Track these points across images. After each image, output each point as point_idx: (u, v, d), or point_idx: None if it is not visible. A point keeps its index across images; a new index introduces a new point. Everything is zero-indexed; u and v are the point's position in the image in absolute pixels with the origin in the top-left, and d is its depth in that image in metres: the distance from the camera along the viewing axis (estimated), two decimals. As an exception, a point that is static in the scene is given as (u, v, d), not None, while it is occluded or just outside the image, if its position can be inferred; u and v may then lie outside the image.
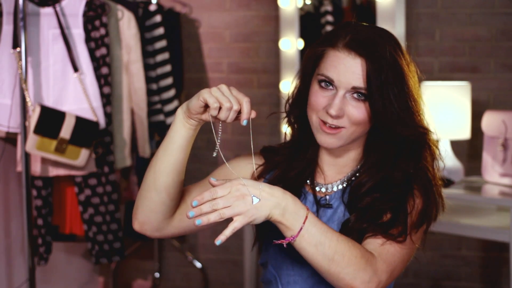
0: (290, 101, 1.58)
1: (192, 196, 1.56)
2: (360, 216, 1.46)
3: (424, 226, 1.49)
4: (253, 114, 1.40)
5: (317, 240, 1.35)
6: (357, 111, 1.45)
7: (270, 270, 1.57)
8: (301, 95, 1.55)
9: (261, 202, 1.33)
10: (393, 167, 1.49)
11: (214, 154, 1.42)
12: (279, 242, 1.37)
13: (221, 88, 1.39)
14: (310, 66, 1.52)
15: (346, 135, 1.47)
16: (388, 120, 1.44)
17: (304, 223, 1.35)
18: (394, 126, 1.45)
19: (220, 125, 1.42)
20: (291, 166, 1.58)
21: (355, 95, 1.45)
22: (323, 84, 1.47)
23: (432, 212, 1.49)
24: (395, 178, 1.48)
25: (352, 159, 1.56)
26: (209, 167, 3.58)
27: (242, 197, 1.33)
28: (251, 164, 1.61)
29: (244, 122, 1.38)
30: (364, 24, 1.51)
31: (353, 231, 1.45)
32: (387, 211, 1.45)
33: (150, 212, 1.50)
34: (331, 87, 1.46)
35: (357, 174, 1.55)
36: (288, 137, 1.64)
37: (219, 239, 1.32)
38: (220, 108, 1.38)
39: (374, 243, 1.42)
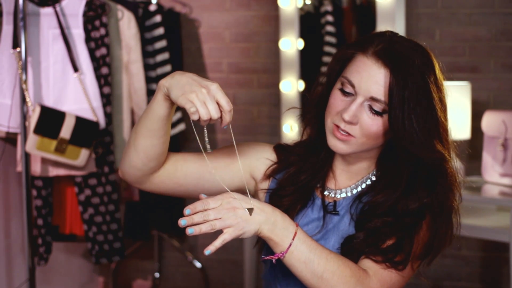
0: (312, 100, 1.56)
1: (184, 164, 1.56)
2: (367, 237, 1.44)
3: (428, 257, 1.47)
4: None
5: (306, 257, 1.35)
6: (372, 122, 1.43)
7: (272, 266, 1.56)
8: (323, 95, 1.52)
9: (251, 216, 1.35)
10: (409, 191, 1.45)
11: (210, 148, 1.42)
12: (268, 258, 1.39)
13: (199, 95, 1.33)
14: (337, 67, 1.49)
15: (356, 145, 1.45)
16: (405, 139, 1.40)
17: (293, 239, 1.36)
18: (411, 147, 1.41)
19: (205, 128, 1.40)
20: (303, 168, 1.56)
21: (373, 108, 1.42)
22: (344, 89, 1.45)
23: (438, 246, 1.47)
24: (409, 205, 1.44)
25: (365, 168, 1.54)
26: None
27: (233, 210, 1.34)
28: (265, 158, 1.60)
29: (224, 127, 1.37)
30: (403, 37, 1.48)
31: (355, 250, 1.44)
32: (393, 236, 1.43)
33: (128, 167, 1.52)
34: (351, 94, 1.44)
35: (368, 182, 1.53)
36: (305, 137, 1.61)
37: (209, 249, 1.34)
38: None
39: (372, 263, 1.41)
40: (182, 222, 1.34)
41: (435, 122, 1.43)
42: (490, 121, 3.03)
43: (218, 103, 1.35)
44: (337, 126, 1.45)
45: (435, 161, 1.43)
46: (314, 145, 1.57)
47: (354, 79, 1.43)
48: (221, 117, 1.36)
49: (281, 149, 1.62)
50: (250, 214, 1.35)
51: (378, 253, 1.41)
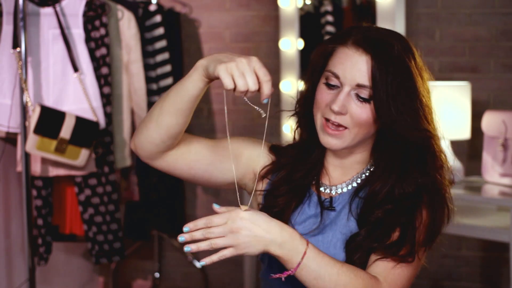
0: (299, 100, 1.57)
1: (198, 147, 1.55)
2: (370, 232, 1.45)
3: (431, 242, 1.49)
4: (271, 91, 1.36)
5: (316, 274, 1.36)
6: (361, 110, 1.44)
7: (270, 264, 1.56)
8: (309, 93, 1.53)
9: (256, 239, 1.34)
10: (402, 175, 1.47)
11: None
12: (277, 276, 1.39)
13: (239, 65, 1.33)
14: (319, 64, 1.51)
15: (349, 137, 1.46)
16: (392, 121, 1.43)
17: (302, 258, 1.36)
18: (398, 128, 1.43)
19: (245, 97, 1.38)
20: (297, 167, 1.56)
21: (359, 96, 1.44)
22: (329, 82, 1.47)
23: (439, 227, 1.48)
24: (405, 188, 1.46)
25: (358, 162, 1.55)
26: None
27: (237, 230, 1.33)
28: (265, 154, 1.60)
29: (264, 101, 1.36)
30: (379, 27, 1.51)
31: (361, 247, 1.45)
32: (396, 227, 1.44)
33: (145, 142, 1.51)
34: (337, 86, 1.46)
35: (363, 177, 1.53)
36: (297, 138, 1.62)
37: (204, 261, 1.33)
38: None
39: (382, 266, 1.42)
40: (180, 238, 1.33)
41: (420, 103, 1.45)
42: (490, 121, 3.03)
43: (256, 75, 1.34)
44: (327, 120, 1.46)
45: (423, 140, 1.46)
46: (306, 146, 1.58)
47: (338, 70, 1.45)
48: (259, 91, 1.35)
49: (274, 150, 1.63)
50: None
51: (385, 249, 1.42)
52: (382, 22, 3.33)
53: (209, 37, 3.77)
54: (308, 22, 3.62)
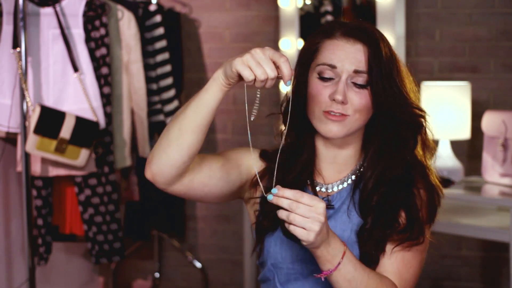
0: (288, 101, 1.57)
1: (207, 163, 1.54)
2: (376, 219, 1.48)
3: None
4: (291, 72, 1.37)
5: (351, 275, 1.40)
6: (360, 96, 1.48)
7: (269, 268, 1.57)
8: (299, 92, 1.55)
9: (323, 232, 1.34)
10: (392, 156, 1.52)
11: (252, 118, 1.39)
12: (318, 276, 1.41)
13: (254, 55, 1.34)
14: (306, 61, 1.54)
15: (350, 122, 1.49)
16: (388, 103, 1.48)
17: (342, 258, 1.39)
18: (394, 108, 1.49)
19: (258, 92, 1.39)
20: (289, 170, 1.57)
21: (357, 83, 1.48)
22: (323, 75, 1.49)
23: (437, 200, 1.53)
24: (396, 169, 1.51)
25: (351, 156, 1.57)
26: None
27: (317, 221, 1.31)
28: (256, 161, 1.61)
29: (287, 83, 1.37)
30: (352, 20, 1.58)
31: (372, 236, 1.48)
32: (399, 208, 1.49)
33: (165, 166, 1.46)
34: (331, 77, 1.49)
35: (358, 173, 1.55)
36: (284, 140, 1.62)
37: (270, 195, 1.33)
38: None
39: (399, 259, 1.49)
40: (269, 197, 1.32)
41: (404, 81, 1.52)
42: (490, 121, 3.03)
43: (273, 62, 1.35)
44: (328, 112, 1.48)
45: (416, 116, 1.52)
46: (296, 146, 1.59)
47: (333, 61, 1.49)
48: (279, 77, 1.37)
49: (263, 155, 1.63)
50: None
51: (399, 234, 1.47)
52: (382, 22, 3.33)
53: (209, 37, 3.78)
54: (308, 22, 3.62)
